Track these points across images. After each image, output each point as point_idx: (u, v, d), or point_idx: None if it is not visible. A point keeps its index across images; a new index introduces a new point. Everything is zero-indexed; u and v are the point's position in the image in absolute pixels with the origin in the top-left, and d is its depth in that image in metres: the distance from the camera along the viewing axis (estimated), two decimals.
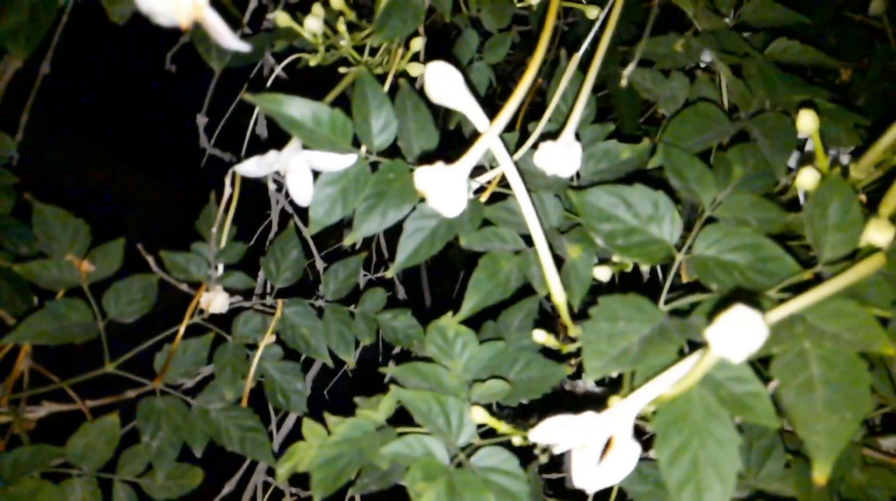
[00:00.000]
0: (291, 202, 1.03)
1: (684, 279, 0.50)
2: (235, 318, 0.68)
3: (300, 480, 0.96)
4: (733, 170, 0.50)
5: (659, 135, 0.59)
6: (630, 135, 0.79)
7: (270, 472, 0.97)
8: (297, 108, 0.48)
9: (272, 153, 0.49)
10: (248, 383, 0.65)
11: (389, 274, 0.57)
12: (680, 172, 0.49)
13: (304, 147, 0.50)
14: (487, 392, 0.50)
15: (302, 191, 0.52)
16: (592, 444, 0.34)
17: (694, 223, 0.49)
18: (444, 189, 0.34)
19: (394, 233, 0.56)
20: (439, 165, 0.35)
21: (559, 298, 0.42)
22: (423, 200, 0.58)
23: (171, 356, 0.64)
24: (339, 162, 0.51)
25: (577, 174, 0.61)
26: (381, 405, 0.52)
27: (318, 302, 0.69)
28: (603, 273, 0.50)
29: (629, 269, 0.52)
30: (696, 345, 0.40)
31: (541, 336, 0.48)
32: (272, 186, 1.01)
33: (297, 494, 0.92)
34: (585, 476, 0.35)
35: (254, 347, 0.67)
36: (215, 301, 0.66)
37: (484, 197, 0.60)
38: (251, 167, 0.51)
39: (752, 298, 0.42)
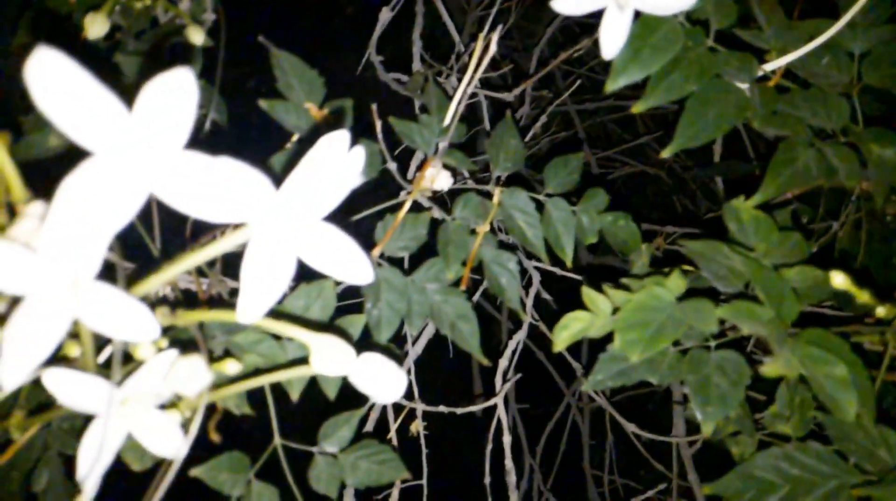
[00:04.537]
0: None
1: None
2: (456, 198, 0.64)
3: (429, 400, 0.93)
4: None
5: None
6: None
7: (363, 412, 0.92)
8: None
9: None
10: (469, 265, 0.61)
11: (664, 155, 0.53)
12: None
13: None
14: (800, 278, 0.46)
15: (613, 40, 0.48)
16: None
17: None
18: None
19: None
20: None
21: None
22: (716, 76, 0.54)
23: (395, 227, 0.60)
24: (667, 5, 0.47)
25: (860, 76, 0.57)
26: (669, 282, 0.48)
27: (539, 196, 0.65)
28: None
29: None
30: None
31: None
32: None
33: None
34: None
35: (471, 232, 0.63)
36: (439, 178, 0.62)
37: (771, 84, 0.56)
38: (571, 4, 0.47)
39: None
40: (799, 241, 0.49)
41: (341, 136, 0.29)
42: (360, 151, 0.29)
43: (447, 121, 0.63)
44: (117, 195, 0.24)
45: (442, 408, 0.87)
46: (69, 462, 0.62)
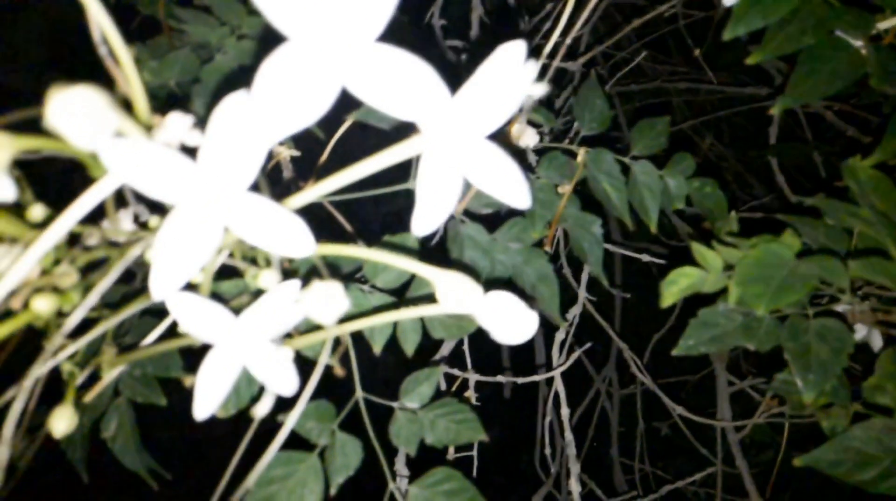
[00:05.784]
0: None
1: None
2: (542, 156, 0.62)
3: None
4: None
5: None
6: None
7: (452, 361, 0.92)
8: None
9: None
10: (554, 226, 0.60)
11: (774, 111, 0.51)
12: None
13: None
14: None
15: None
16: None
17: None
18: None
19: None
20: None
21: None
22: (830, 33, 0.52)
23: None
24: None
25: None
26: (785, 240, 0.47)
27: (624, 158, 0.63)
28: None
29: None
30: None
31: None
32: None
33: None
34: None
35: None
36: (525, 135, 0.60)
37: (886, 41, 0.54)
38: None
39: None
40: None
41: (518, 46, 0.27)
42: (533, 65, 0.28)
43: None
44: (311, 85, 0.22)
45: (500, 378, 0.85)
46: (138, 410, 0.61)
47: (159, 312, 0.60)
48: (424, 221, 0.27)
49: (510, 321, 0.36)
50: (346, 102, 0.27)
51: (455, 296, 0.35)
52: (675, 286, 0.47)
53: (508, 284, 0.59)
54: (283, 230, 0.28)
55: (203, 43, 0.57)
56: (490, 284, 0.57)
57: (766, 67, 1.24)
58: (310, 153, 0.66)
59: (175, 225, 0.27)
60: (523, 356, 1.54)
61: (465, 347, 0.90)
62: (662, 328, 1.39)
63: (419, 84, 0.24)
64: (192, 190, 0.27)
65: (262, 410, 0.33)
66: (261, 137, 0.25)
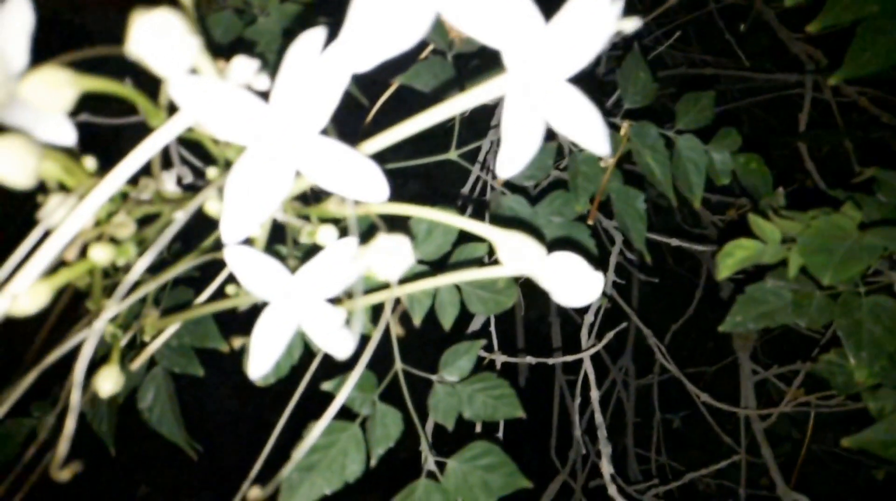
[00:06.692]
0: None
1: None
2: None
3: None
4: None
5: None
6: None
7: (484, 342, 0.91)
8: None
9: None
10: (598, 199, 0.59)
11: (832, 82, 0.49)
12: None
13: None
14: None
15: None
16: None
17: None
18: None
19: None
20: None
21: None
22: (893, 1, 0.51)
23: None
24: None
25: None
26: (847, 210, 0.45)
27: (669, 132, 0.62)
28: None
29: None
30: None
31: None
32: None
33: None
34: None
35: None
36: None
37: None
38: None
39: None
40: None
41: None
42: (619, 4, 0.26)
43: None
44: (406, 9, 0.21)
45: (529, 359, 0.84)
46: (175, 380, 0.60)
47: (193, 280, 0.59)
48: (509, 163, 0.26)
49: (575, 283, 0.35)
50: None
51: (519, 256, 0.34)
52: (731, 259, 0.46)
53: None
54: (357, 174, 0.27)
55: (242, 6, 0.55)
56: None
57: (797, 52, 1.22)
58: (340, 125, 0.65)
59: (247, 167, 0.27)
60: (538, 342, 1.53)
61: (493, 327, 0.89)
62: (678, 320, 1.38)
63: (513, 11, 0.23)
64: (265, 131, 0.26)
65: (343, 354, 0.33)
66: (347, 69, 0.24)
